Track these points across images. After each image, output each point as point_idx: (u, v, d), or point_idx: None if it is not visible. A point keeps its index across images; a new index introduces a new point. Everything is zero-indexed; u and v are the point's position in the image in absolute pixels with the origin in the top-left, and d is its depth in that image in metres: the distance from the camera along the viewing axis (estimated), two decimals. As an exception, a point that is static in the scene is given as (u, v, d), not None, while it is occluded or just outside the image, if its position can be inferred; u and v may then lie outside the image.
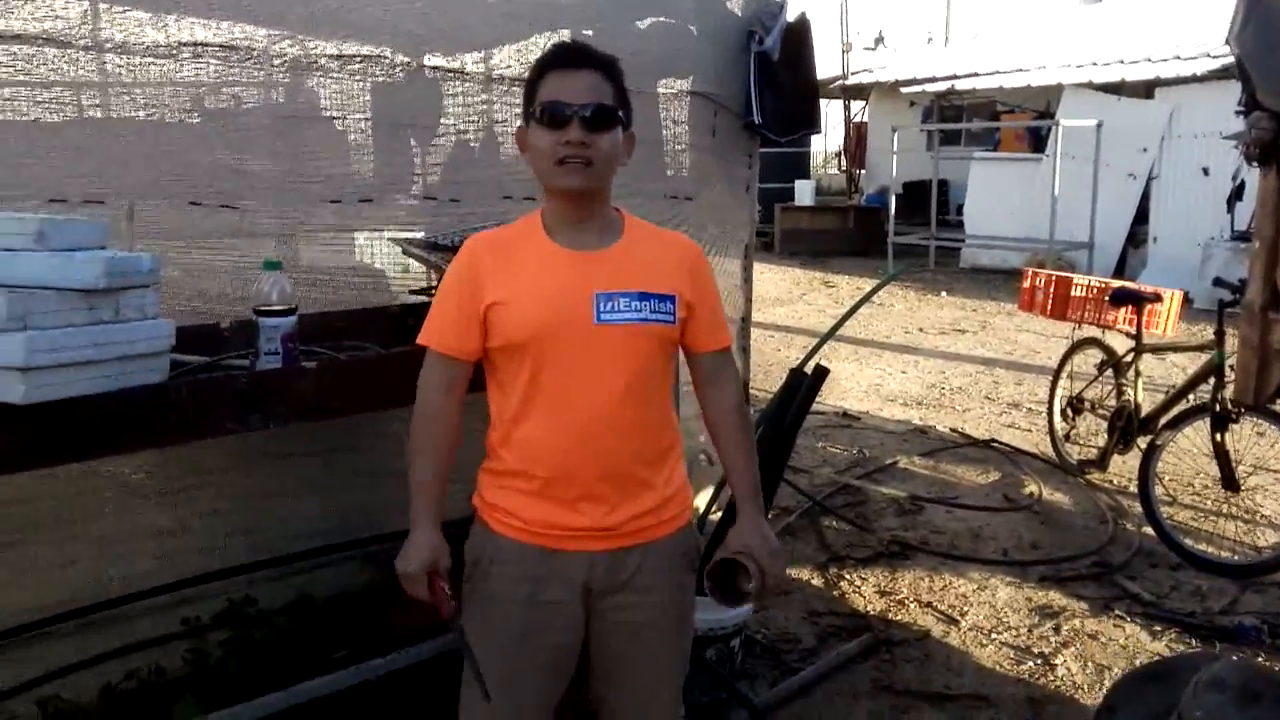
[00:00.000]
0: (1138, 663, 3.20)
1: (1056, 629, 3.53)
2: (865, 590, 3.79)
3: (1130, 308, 4.80)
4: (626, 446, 1.75)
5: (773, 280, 11.92)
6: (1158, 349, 5.03)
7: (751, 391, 4.34)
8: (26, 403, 1.49)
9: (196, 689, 2.41)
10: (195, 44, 2.31)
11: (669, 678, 1.93)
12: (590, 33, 3.13)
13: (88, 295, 1.56)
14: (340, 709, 2.44)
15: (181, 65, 2.30)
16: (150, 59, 2.28)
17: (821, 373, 2.87)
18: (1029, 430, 6.00)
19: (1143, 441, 4.57)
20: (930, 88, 15.76)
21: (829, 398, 6.46)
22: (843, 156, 20.54)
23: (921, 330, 9.46)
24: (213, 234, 2.40)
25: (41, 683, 2.39)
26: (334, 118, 2.69)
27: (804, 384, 2.88)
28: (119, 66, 2.29)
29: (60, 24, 2.19)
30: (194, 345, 1.97)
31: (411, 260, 2.89)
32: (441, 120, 2.93)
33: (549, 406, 1.72)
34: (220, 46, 2.35)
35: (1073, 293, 5.02)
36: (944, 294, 11.47)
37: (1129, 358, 4.82)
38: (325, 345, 2.11)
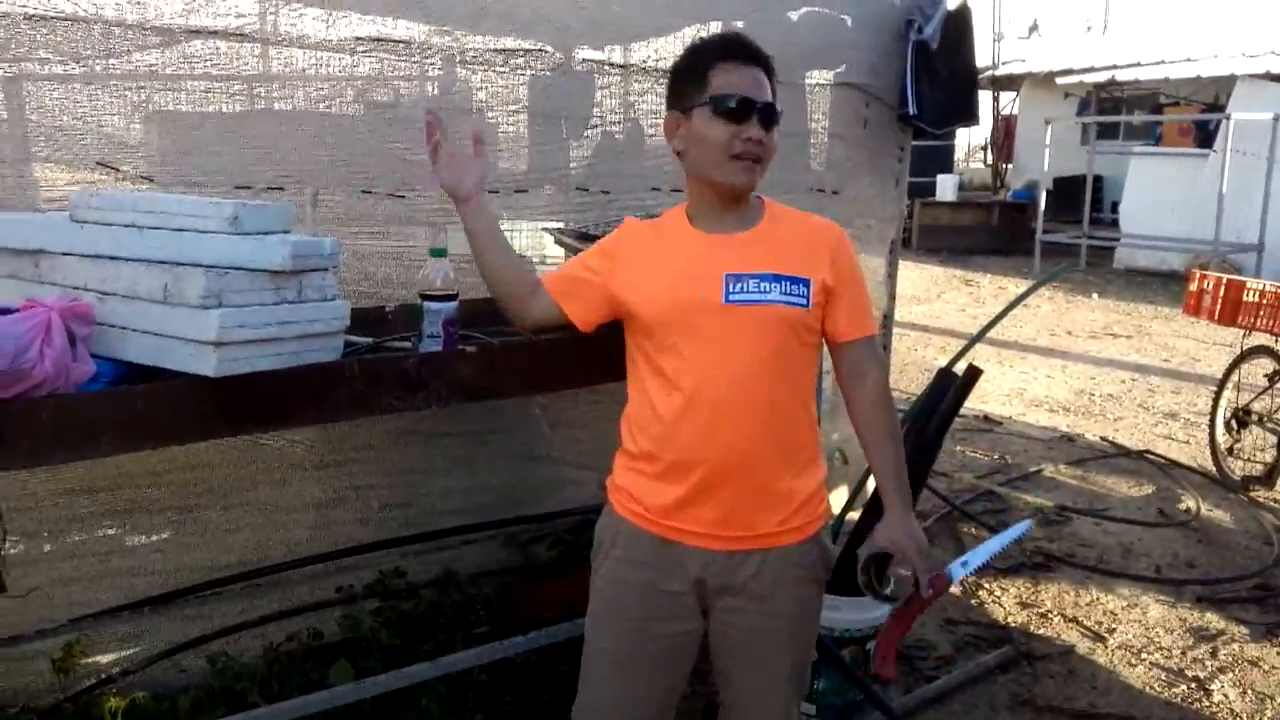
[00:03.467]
0: (1307, 696, 3.00)
1: (1213, 653, 3.33)
2: (1005, 601, 3.67)
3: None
4: (755, 434, 1.69)
5: (909, 277, 11.53)
6: (1338, 360, 4.68)
7: (890, 391, 4.24)
8: (217, 375, 1.59)
9: (350, 653, 2.53)
10: (371, 39, 2.42)
11: (779, 688, 1.85)
12: (741, 24, 3.11)
13: (275, 276, 1.64)
14: (467, 680, 2.53)
15: (359, 60, 2.41)
16: (327, 53, 2.40)
17: (974, 373, 2.79)
18: (1187, 442, 5.67)
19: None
20: (1089, 78, 15.00)
21: (969, 400, 6.24)
22: (988, 150, 19.79)
23: (1070, 333, 9.04)
24: (380, 221, 2.50)
25: (211, 639, 2.56)
26: (492, 110, 2.76)
27: (953, 385, 2.79)
28: (295, 61, 2.41)
29: (241, 21, 2.32)
30: (360, 327, 2.06)
31: (548, 249, 2.94)
32: (594, 112, 2.98)
33: (679, 387, 1.70)
34: (394, 42, 2.45)
35: (1245, 297, 4.71)
36: (1095, 296, 10.92)
37: (1305, 368, 4.51)
38: (477, 330, 2.17)
